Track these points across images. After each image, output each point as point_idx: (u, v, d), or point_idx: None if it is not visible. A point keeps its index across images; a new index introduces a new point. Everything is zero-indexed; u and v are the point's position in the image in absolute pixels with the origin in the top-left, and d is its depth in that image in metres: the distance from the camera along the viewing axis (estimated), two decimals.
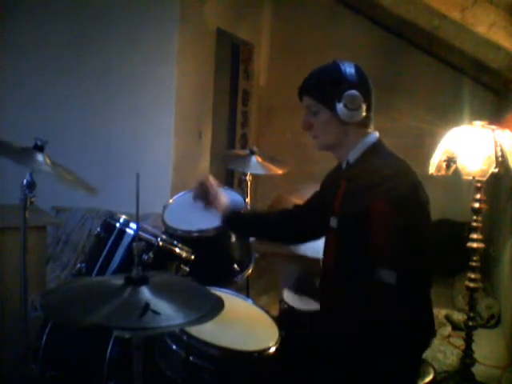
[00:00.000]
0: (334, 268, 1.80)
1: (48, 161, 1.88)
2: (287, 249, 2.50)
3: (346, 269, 1.73)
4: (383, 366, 1.59)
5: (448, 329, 3.60)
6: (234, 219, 2.15)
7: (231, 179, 5.19)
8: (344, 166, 1.82)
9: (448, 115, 4.06)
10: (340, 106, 1.70)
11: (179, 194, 2.71)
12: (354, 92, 1.69)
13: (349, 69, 1.73)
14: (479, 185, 2.82)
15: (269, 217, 2.24)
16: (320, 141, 1.80)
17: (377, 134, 1.79)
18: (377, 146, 1.77)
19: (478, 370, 2.95)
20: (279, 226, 2.12)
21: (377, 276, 1.57)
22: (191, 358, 1.62)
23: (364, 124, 1.76)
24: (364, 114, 1.72)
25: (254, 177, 3.02)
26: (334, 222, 1.79)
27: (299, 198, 2.76)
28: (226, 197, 2.16)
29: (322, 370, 1.67)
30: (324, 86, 1.74)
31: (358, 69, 1.75)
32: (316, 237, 2.10)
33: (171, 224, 2.43)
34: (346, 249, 1.74)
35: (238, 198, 2.65)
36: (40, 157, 1.86)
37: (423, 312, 1.69)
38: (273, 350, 1.69)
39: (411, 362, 1.73)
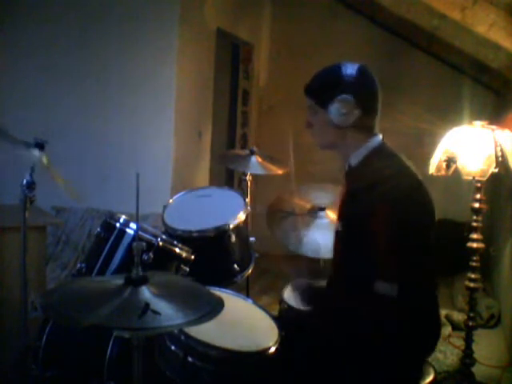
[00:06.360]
0: (339, 270, 1.81)
1: (45, 161, 1.88)
2: (287, 249, 2.50)
3: (349, 273, 1.73)
4: (385, 368, 1.59)
5: (448, 329, 3.59)
6: None
7: (231, 179, 5.19)
8: (346, 168, 1.81)
9: (448, 115, 4.04)
10: (331, 109, 1.70)
11: (179, 194, 2.71)
12: (345, 96, 1.67)
13: (350, 71, 1.71)
14: (479, 185, 2.82)
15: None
16: (316, 141, 1.81)
17: (380, 137, 1.76)
18: (379, 149, 1.74)
19: (478, 369, 2.94)
20: None
21: (378, 286, 1.56)
22: (190, 359, 1.62)
23: (365, 128, 1.73)
24: (355, 118, 1.69)
25: (254, 177, 3.02)
26: (339, 224, 1.80)
27: (299, 198, 2.76)
28: None
29: (322, 371, 1.67)
30: (321, 88, 1.75)
31: (361, 71, 1.72)
32: None
33: (171, 224, 2.43)
34: (348, 252, 1.74)
35: (238, 198, 2.65)
36: (38, 154, 1.86)
37: (428, 318, 1.68)
38: (273, 349, 1.69)
39: (414, 366, 1.73)
